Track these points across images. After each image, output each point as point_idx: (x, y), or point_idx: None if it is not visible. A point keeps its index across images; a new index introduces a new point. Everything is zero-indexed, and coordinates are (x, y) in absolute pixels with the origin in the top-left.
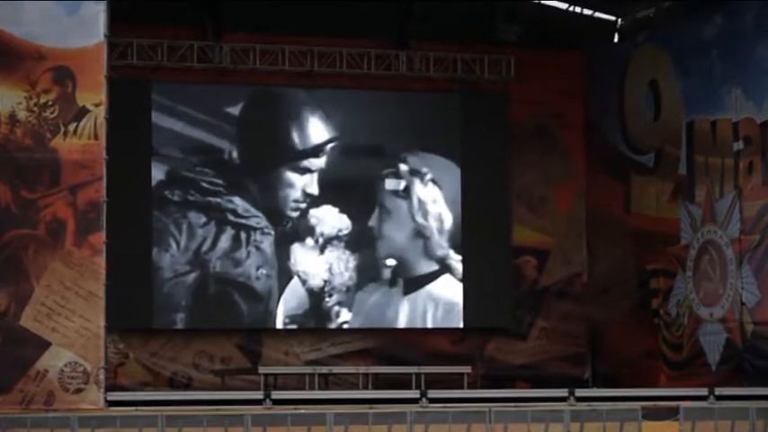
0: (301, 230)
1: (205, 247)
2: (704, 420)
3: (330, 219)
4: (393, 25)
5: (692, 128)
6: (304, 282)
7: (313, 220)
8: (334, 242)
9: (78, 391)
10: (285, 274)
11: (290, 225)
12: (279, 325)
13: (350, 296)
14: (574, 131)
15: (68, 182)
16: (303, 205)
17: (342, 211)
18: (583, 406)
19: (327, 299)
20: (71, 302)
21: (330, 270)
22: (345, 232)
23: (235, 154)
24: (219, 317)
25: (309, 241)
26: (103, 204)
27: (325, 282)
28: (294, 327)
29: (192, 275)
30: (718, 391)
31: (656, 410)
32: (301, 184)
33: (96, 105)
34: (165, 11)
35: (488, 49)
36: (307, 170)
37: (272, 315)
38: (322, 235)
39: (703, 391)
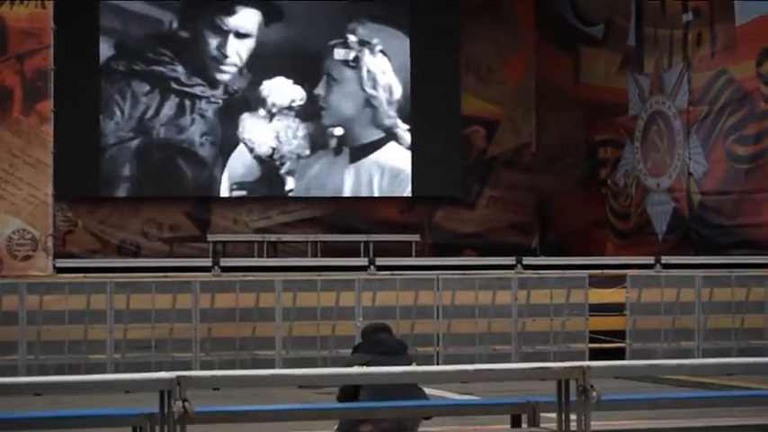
0: (247, 99)
1: (149, 115)
2: (650, 288)
3: (277, 88)
4: None
5: None
6: (251, 149)
7: (260, 89)
8: (283, 111)
9: (27, 257)
10: (230, 141)
11: (236, 94)
12: (224, 191)
13: (296, 164)
14: (524, 3)
15: (15, 50)
16: (247, 73)
17: (289, 80)
18: (530, 274)
19: (273, 166)
20: (19, 170)
21: (278, 138)
22: (293, 102)
23: (175, 25)
24: (165, 184)
25: (256, 110)
26: (51, 73)
27: (273, 149)
28: (243, 193)
29: (136, 141)
30: (665, 259)
31: (603, 278)
32: (246, 53)
33: None
34: None
35: None
36: (250, 39)
37: (216, 181)
38: (269, 104)
39: (650, 260)
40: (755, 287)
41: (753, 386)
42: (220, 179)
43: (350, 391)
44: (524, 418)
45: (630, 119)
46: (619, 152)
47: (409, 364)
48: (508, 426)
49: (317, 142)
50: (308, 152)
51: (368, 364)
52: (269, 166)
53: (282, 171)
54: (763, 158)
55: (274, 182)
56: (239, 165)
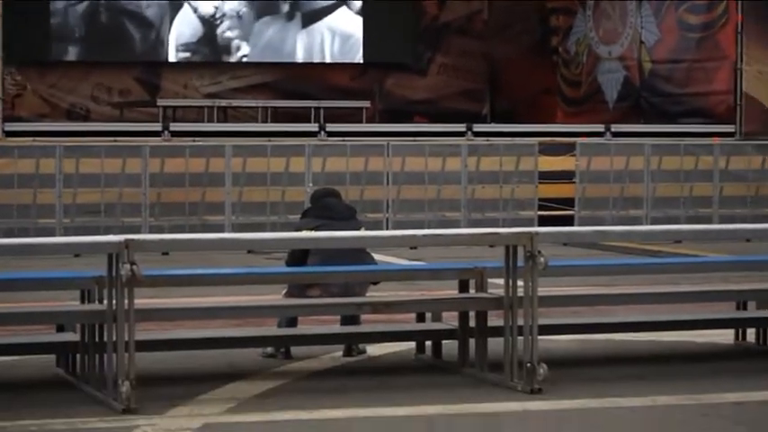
0: None
1: None
2: (600, 156)
3: None
4: None
5: None
6: (195, 9)
7: None
8: None
9: None
10: (175, 2)
11: None
12: (172, 54)
13: (247, 28)
14: None
15: None
16: None
17: None
18: (480, 141)
19: (220, 28)
20: None
21: None
22: None
23: None
24: (114, 47)
25: None
26: None
27: (216, 8)
28: (188, 55)
29: (84, 4)
30: (615, 127)
31: (553, 146)
32: None
33: None
34: None
35: None
36: None
37: (164, 43)
38: None
39: (600, 128)
40: (704, 155)
41: (700, 253)
42: (168, 40)
43: (299, 256)
44: (472, 283)
45: None
46: (570, 20)
47: (358, 229)
48: (456, 291)
49: (267, 7)
50: (257, 16)
51: (317, 228)
52: (213, 26)
53: (229, 34)
54: (714, 28)
55: (224, 46)
56: (185, 25)
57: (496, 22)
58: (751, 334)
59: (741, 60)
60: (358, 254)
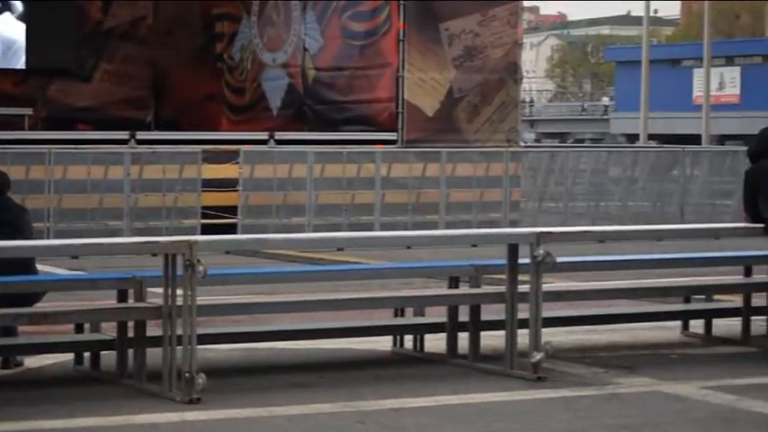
0: None
1: None
2: (264, 163)
3: None
4: None
5: None
6: None
7: None
8: None
9: None
10: None
11: None
12: None
13: None
14: None
15: None
16: None
17: None
18: (144, 149)
19: None
20: None
21: None
22: None
23: None
24: None
25: None
26: None
27: None
28: None
29: None
30: (279, 135)
31: (217, 154)
32: None
33: None
34: None
35: None
36: None
37: None
38: None
39: (264, 136)
40: (366, 163)
41: (361, 260)
42: None
43: None
44: (131, 293)
45: None
46: (235, 26)
47: (31, 234)
48: (115, 301)
49: None
50: None
51: None
52: None
53: None
54: (377, 35)
55: None
56: None
57: (161, 27)
58: (408, 341)
59: (403, 68)
60: (27, 262)
